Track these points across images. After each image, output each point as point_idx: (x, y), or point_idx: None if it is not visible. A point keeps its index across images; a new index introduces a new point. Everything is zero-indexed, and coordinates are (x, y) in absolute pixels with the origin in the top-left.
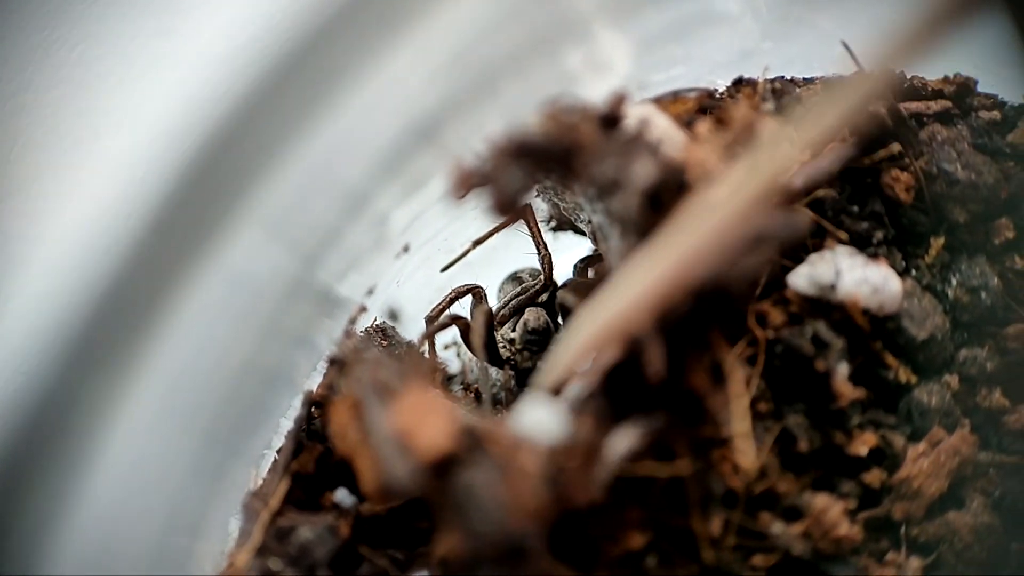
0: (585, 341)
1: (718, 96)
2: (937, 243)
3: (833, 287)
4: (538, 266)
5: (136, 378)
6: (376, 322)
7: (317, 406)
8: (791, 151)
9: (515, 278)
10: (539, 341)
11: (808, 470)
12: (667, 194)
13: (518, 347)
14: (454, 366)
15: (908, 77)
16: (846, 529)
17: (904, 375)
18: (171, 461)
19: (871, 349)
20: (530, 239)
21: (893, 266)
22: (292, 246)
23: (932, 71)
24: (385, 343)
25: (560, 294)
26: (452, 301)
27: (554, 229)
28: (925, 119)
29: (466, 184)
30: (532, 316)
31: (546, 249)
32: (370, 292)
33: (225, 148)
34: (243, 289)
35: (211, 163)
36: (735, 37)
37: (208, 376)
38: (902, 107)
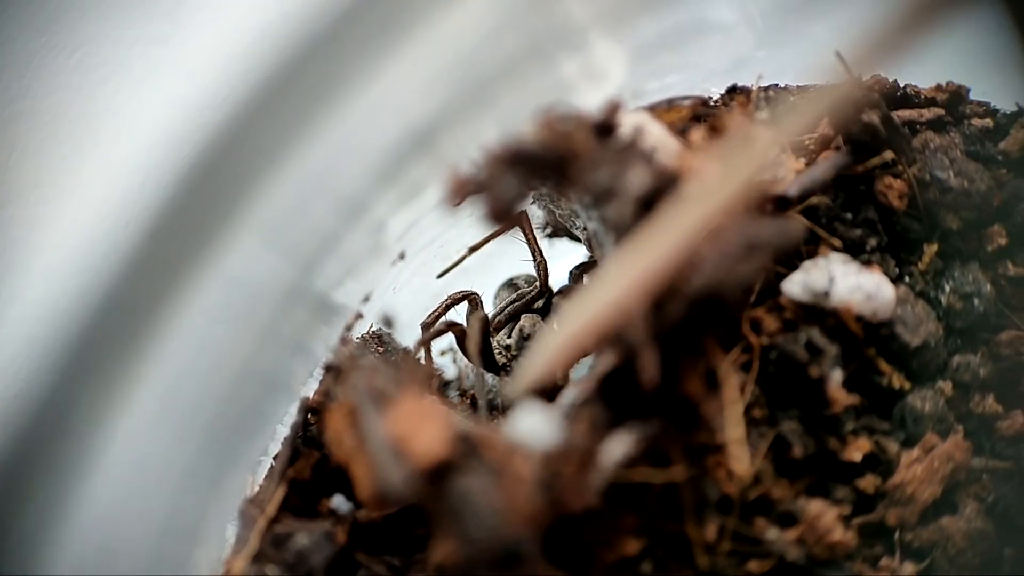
0: (563, 341)
1: (712, 104)
2: (930, 250)
3: (827, 294)
4: (534, 273)
5: (134, 384)
6: (372, 329)
7: (314, 413)
8: (769, 151)
9: (511, 285)
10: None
11: (802, 476)
12: (661, 202)
13: (514, 353)
14: (450, 372)
15: (901, 85)
16: (840, 535)
17: (898, 381)
18: (168, 467)
19: (865, 355)
20: (526, 246)
21: (886, 273)
22: (289, 253)
23: (925, 79)
24: (381, 350)
25: (555, 301)
26: (448, 308)
27: (550, 236)
28: (918, 127)
29: (462, 192)
30: (528, 323)
31: (542, 256)
32: (366, 299)
33: (223, 155)
34: (240, 296)
35: (209, 170)
36: (729, 46)
37: (205, 382)
38: (895, 115)
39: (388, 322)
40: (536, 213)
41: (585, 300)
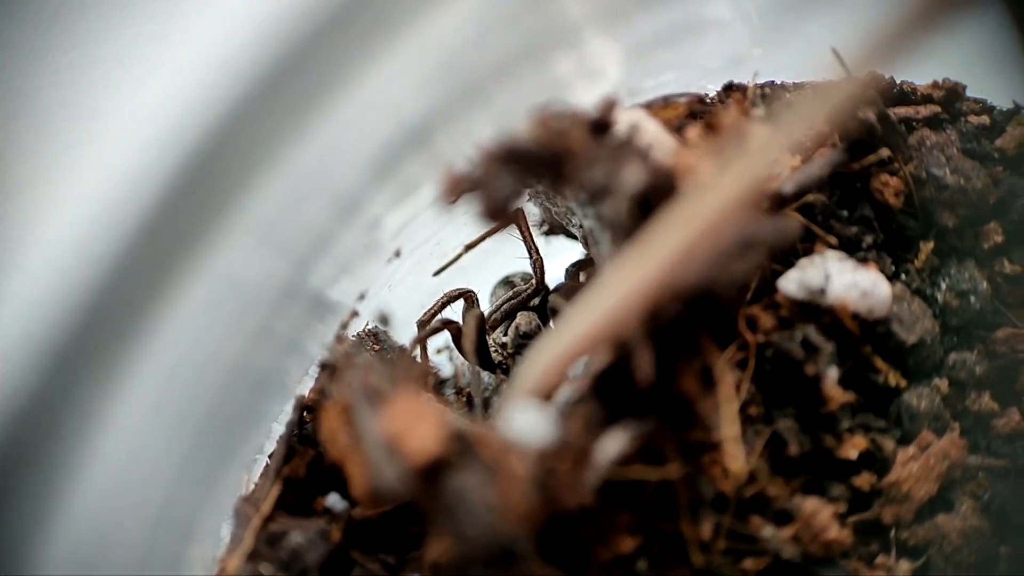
0: (566, 344)
1: (708, 101)
2: (926, 247)
3: (823, 291)
4: (530, 270)
5: (127, 382)
6: (368, 327)
7: (309, 411)
8: (773, 153)
9: (507, 282)
10: (531, 341)
11: (798, 474)
12: (657, 199)
13: (510, 351)
14: (446, 370)
15: (898, 82)
16: (836, 532)
17: (894, 379)
18: (162, 465)
19: (861, 353)
20: (522, 243)
21: (883, 270)
22: (284, 251)
23: (921, 76)
24: (377, 348)
25: (551, 298)
26: (444, 305)
27: (546, 233)
28: (914, 124)
29: (457, 189)
30: (524, 320)
31: (538, 253)
32: (362, 297)
33: (217, 153)
34: (235, 294)
35: (204, 167)
36: (725, 43)
37: (200, 380)
38: (891, 112)
39: (384, 320)
40: (532, 210)
41: (586, 306)
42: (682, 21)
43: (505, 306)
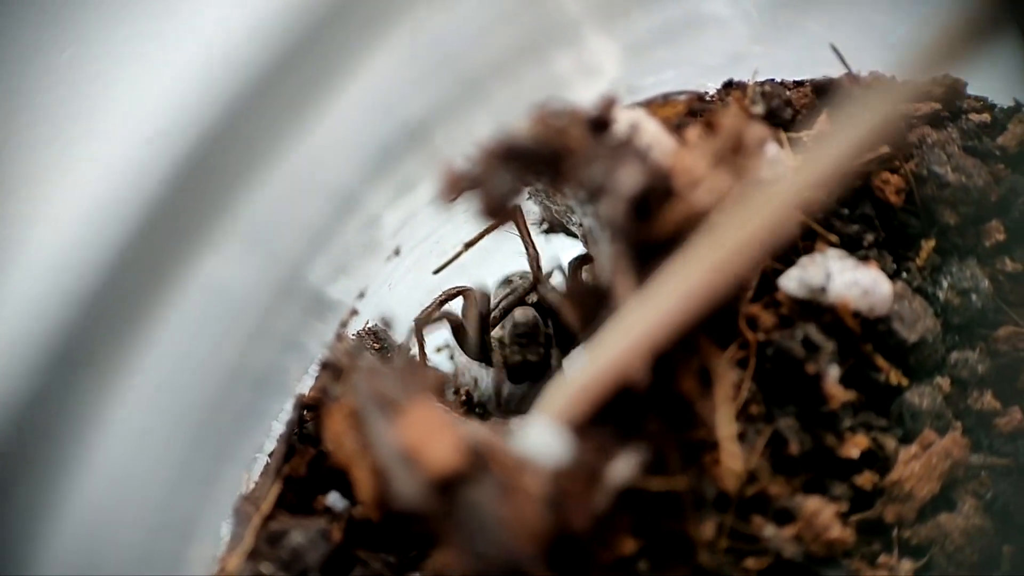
0: (595, 374)
1: (708, 99)
2: (928, 246)
3: (823, 290)
4: (529, 268)
5: (126, 381)
6: (368, 325)
7: (309, 409)
8: (808, 180)
9: (507, 282)
10: (528, 335)
11: (799, 473)
12: (654, 201)
13: (507, 342)
14: (446, 369)
15: (898, 79)
16: (838, 532)
17: (895, 377)
18: (161, 464)
19: (862, 351)
20: (513, 243)
21: (883, 269)
22: (283, 249)
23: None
24: (377, 346)
25: (540, 289)
26: (442, 303)
27: (546, 232)
28: (915, 121)
29: (456, 187)
30: (520, 313)
31: (535, 249)
32: (361, 295)
33: (216, 149)
34: (234, 292)
35: (202, 165)
36: (724, 41)
37: (199, 379)
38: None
39: (383, 318)
40: (532, 208)
41: (616, 335)
42: (681, 18)
43: (504, 304)
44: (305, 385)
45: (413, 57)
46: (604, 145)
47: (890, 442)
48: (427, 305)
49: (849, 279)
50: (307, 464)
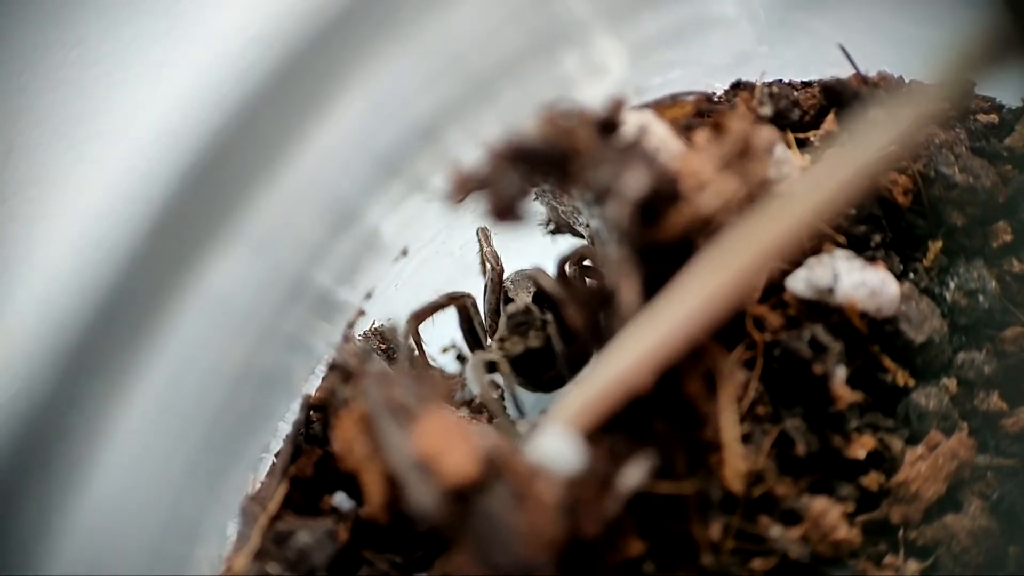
0: (609, 382)
1: (716, 100)
2: (935, 246)
3: (831, 290)
4: (525, 271)
5: (133, 382)
6: (374, 326)
7: (316, 410)
8: (829, 193)
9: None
10: (524, 322)
11: (806, 473)
12: (660, 204)
13: (506, 336)
14: (451, 369)
15: (906, 80)
16: (844, 532)
17: (902, 378)
18: (169, 463)
19: (869, 352)
20: (524, 242)
21: (891, 269)
22: (290, 250)
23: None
24: (383, 347)
25: (533, 272)
26: (440, 307)
27: (552, 232)
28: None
29: (464, 188)
30: (511, 305)
31: (489, 243)
32: (368, 296)
33: (225, 149)
34: (241, 292)
35: (210, 164)
36: (732, 41)
37: (206, 379)
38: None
39: (390, 319)
40: (539, 209)
41: (630, 344)
42: (688, 18)
43: (486, 307)
44: (312, 385)
45: (421, 59)
46: (612, 147)
47: (897, 443)
48: (419, 308)
49: (856, 280)
50: (314, 464)
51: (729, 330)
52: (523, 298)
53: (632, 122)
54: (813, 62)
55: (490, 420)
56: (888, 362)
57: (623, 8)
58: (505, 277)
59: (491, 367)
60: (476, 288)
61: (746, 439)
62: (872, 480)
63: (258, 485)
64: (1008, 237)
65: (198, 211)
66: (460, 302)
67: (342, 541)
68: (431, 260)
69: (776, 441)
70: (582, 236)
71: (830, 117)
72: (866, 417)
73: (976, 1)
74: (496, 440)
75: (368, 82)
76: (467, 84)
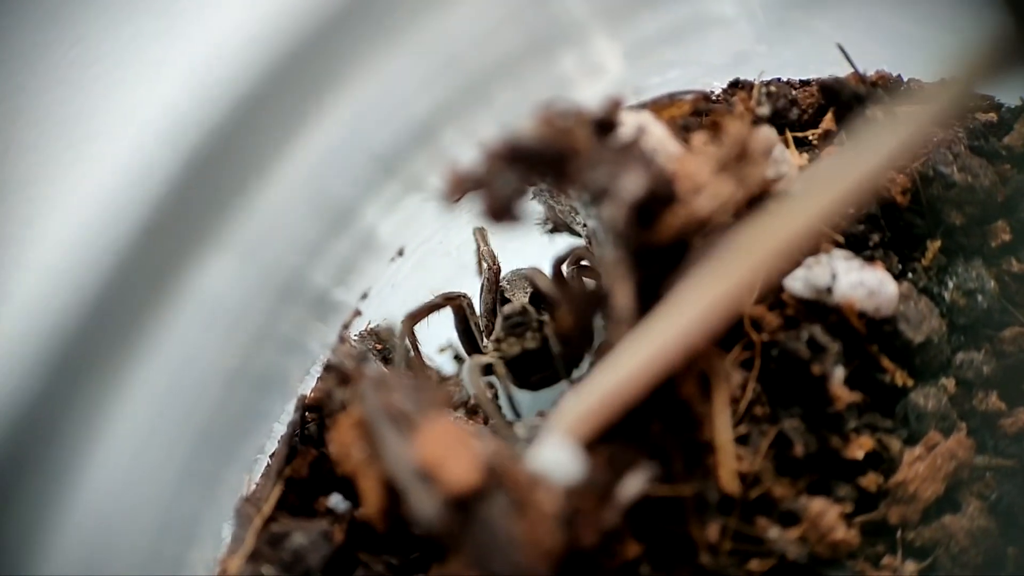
0: (609, 390)
1: (714, 99)
2: (933, 246)
3: (829, 290)
4: (520, 271)
5: (128, 382)
6: (369, 326)
7: (311, 410)
8: (835, 200)
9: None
10: (520, 323)
11: (804, 474)
12: (657, 206)
13: (502, 337)
14: (448, 369)
15: (904, 79)
16: (842, 533)
17: (900, 378)
18: (164, 465)
19: (867, 352)
20: (523, 242)
21: (889, 269)
22: (286, 250)
23: (928, 73)
24: (379, 347)
25: (530, 272)
26: (436, 307)
27: (550, 232)
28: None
29: (460, 188)
30: (507, 306)
31: (486, 243)
32: (364, 296)
33: (222, 148)
34: (236, 293)
35: (207, 163)
36: (730, 40)
37: (201, 380)
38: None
39: (386, 319)
40: (536, 209)
41: (630, 351)
42: (686, 18)
43: (482, 307)
44: (307, 386)
45: (419, 57)
46: (609, 147)
47: (895, 443)
48: (415, 308)
49: (855, 279)
50: (309, 465)
51: (726, 331)
52: (520, 298)
53: (630, 122)
54: (811, 61)
55: (486, 422)
56: (886, 362)
57: (621, 8)
58: (502, 277)
59: (487, 369)
60: (473, 288)
61: (744, 440)
62: (870, 481)
63: (253, 486)
64: (1007, 236)
65: (195, 210)
66: (456, 302)
67: (337, 543)
68: (427, 260)
69: (774, 442)
70: (580, 235)
71: (828, 116)
72: (864, 417)
73: (976, 1)
74: (496, 447)
75: (365, 82)
76: (464, 84)
